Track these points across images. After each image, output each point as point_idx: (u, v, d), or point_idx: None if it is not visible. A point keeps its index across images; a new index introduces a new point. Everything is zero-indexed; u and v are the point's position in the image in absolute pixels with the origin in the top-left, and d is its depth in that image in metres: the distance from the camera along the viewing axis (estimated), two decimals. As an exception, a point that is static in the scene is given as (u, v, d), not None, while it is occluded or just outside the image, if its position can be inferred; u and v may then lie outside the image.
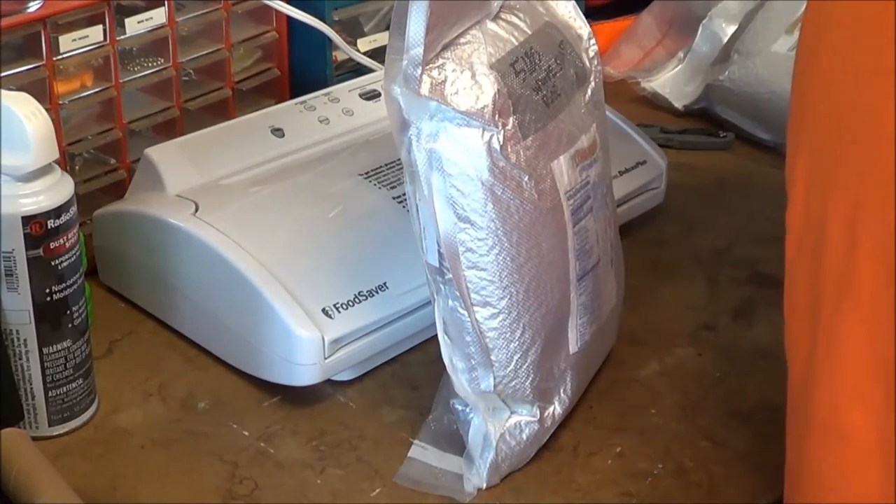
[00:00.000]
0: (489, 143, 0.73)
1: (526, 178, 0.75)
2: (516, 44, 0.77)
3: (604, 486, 0.81)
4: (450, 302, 0.77)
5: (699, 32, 1.27)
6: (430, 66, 0.72)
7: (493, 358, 0.78)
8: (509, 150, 0.74)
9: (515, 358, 0.78)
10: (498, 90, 0.73)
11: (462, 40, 0.74)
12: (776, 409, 0.88)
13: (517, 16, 0.78)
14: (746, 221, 1.10)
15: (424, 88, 0.72)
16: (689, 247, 1.06)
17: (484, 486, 0.80)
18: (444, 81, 0.72)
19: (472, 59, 0.73)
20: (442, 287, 0.76)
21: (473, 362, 0.78)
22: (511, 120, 0.74)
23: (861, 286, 0.61)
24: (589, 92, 0.83)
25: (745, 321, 0.97)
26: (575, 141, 0.80)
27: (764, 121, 1.18)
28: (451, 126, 0.73)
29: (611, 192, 0.87)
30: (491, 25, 0.76)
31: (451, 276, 0.75)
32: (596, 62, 0.84)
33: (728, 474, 0.83)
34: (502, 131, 0.74)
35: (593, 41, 0.84)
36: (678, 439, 0.85)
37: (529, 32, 0.78)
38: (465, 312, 0.76)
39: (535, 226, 0.76)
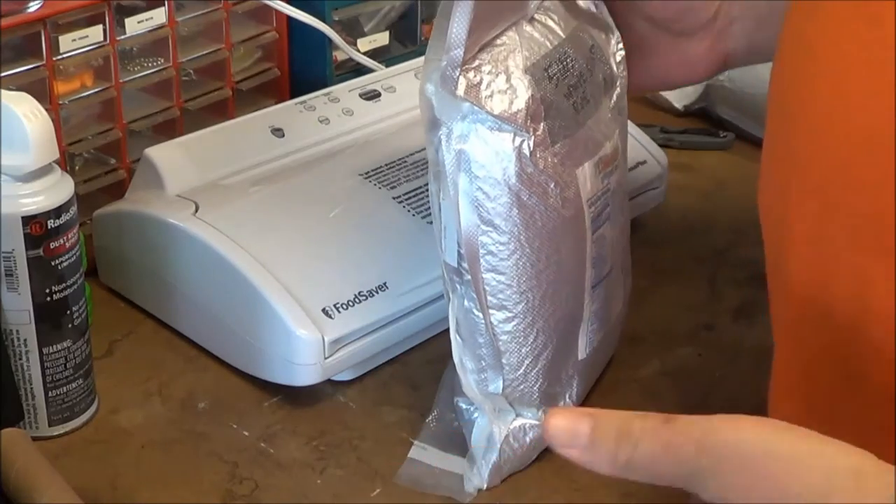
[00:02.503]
0: (520, 148, 0.72)
1: (552, 185, 0.75)
2: (551, 47, 0.76)
3: (604, 486, 0.81)
4: (465, 302, 0.76)
5: (699, 32, 1.27)
6: (467, 66, 0.71)
7: (504, 361, 0.77)
8: (538, 156, 0.73)
9: (526, 362, 0.78)
10: (532, 95, 0.72)
11: (498, 42, 0.73)
12: (776, 409, 0.89)
13: (552, 18, 0.77)
14: (746, 221, 1.09)
15: (460, 89, 0.71)
16: (689, 247, 1.06)
17: (485, 486, 0.80)
18: (479, 83, 0.71)
19: (508, 62, 0.72)
20: (458, 287, 0.76)
21: (484, 363, 0.78)
22: (542, 126, 0.73)
23: None
24: (614, 97, 0.82)
25: (745, 321, 0.97)
26: (599, 148, 0.79)
27: (764, 121, 1.18)
28: (483, 129, 0.72)
29: (626, 199, 0.86)
30: (527, 28, 0.75)
31: (469, 277, 0.75)
32: (622, 67, 0.83)
33: (728, 474, 0.83)
34: (533, 137, 0.73)
35: (621, 45, 0.83)
36: (678, 439, 0.85)
37: (563, 36, 0.77)
38: (480, 314, 0.76)
39: (556, 233, 0.76)
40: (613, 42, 0.83)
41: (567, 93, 0.76)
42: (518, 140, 0.72)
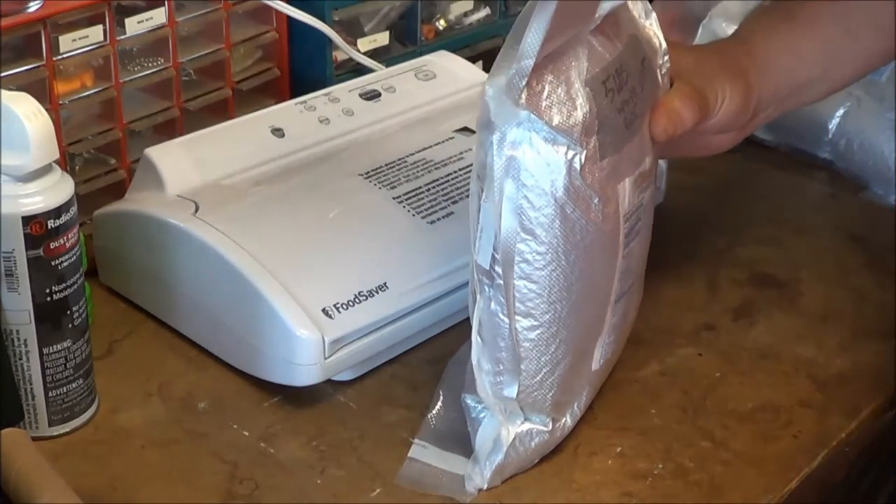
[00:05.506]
0: (571, 161, 0.72)
1: (595, 200, 0.74)
2: (609, 60, 0.75)
3: (604, 486, 0.81)
4: (492, 305, 0.76)
5: (699, 32, 1.27)
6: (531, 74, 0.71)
7: (522, 367, 0.77)
8: (587, 170, 0.73)
9: (544, 371, 0.78)
10: (589, 109, 0.72)
11: (562, 52, 0.72)
12: (776, 409, 0.89)
13: (612, 29, 0.77)
14: (746, 221, 1.10)
15: (523, 98, 0.70)
16: (689, 247, 1.06)
17: (485, 486, 0.80)
18: (540, 92, 0.71)
19: (570, 72, 0.72)
20: (487, 289, 0.75)
21: (501, 367, 0.77)
22: (593, 140, 0.73)
23: None
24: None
25: (745, 321, 0.97)
26: (640, 164, 0.79)
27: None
28: (537, 138, 0.71)
29: (652, 213, 0.86)
30: (590, 38, 0.74)
31: (500, 281, 0.74)
32: (667, 80, 0.82)
33: (728, 474, 0.83)
34: (585, 151, 0.72)
35: (667, 57, 0.83)
36: (678, 439, 0.85)
37: (620, 48, 0.76)
38: (506, 319, 0.75)
39: (593, 247, 0.75)
40: (661, 53, 0.82)
41: (620, 108, 0.75)
42: (571, 153, 0.72)
